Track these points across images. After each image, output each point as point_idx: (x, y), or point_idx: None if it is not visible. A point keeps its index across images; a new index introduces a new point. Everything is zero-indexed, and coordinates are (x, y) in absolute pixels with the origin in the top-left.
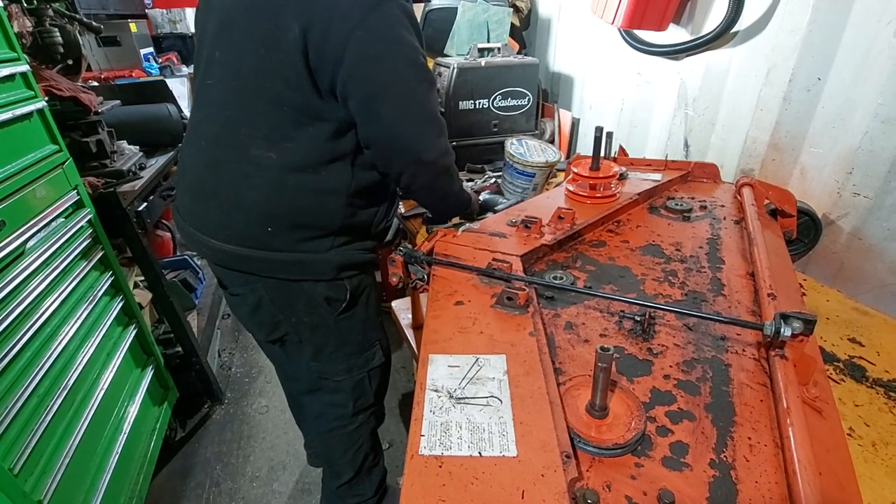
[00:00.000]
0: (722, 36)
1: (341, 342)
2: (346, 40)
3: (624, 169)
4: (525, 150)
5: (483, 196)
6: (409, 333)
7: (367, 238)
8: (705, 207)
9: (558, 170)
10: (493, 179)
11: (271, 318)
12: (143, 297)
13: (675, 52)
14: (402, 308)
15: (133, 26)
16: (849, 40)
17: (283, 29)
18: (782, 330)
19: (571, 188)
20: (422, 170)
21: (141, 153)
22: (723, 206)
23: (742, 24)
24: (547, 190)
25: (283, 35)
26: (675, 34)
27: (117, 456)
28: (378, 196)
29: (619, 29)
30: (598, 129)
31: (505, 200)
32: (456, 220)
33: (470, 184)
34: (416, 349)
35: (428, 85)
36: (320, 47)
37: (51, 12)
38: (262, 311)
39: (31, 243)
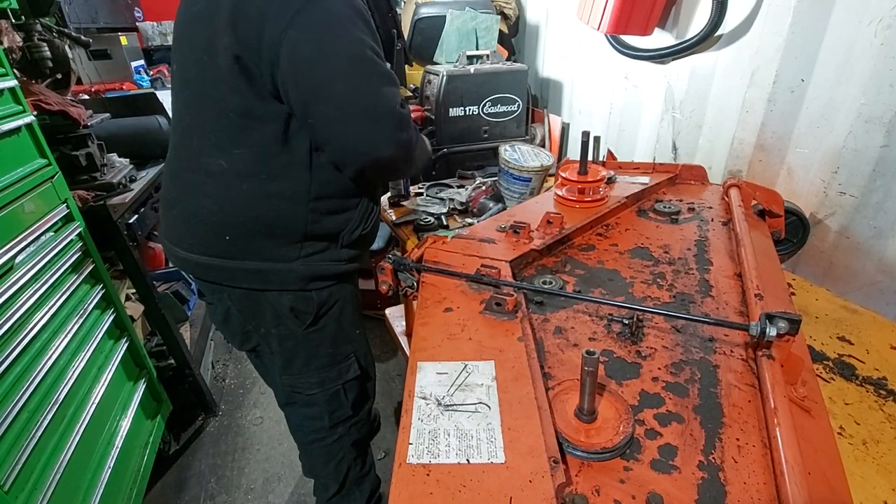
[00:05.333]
0: (706, 39)
1: (311, 355)
2: (280, 42)
3: (612, 173)
4: (519, 155)
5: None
6: (404, 341)
7: (341, 247)
8: (693, 209)
9: (551, 174)
10: (483, 187)
11: (241, 329)
12: (135, 309)
13: (661, 55)
14: (396, 315)
15: (124, 39)
16: (830, 41)
17: (221, 34)
18: (768, 330)
19: (560, 192)
20: (381, 167)
21: (131, 165)
22: (710, 207)
23: (726, 27)
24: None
25: (220, 41)
26: (660, 38)
27: (110, 470)
28: (346, 202)
29: (605, 34)
30: (585, 134)
31: (493, 205)
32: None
33: (462, 190)
34: None
35: (378, 78)
36: (256, 51)
37: (39, 27)
38: (231, 321)
39: (19, 258)
